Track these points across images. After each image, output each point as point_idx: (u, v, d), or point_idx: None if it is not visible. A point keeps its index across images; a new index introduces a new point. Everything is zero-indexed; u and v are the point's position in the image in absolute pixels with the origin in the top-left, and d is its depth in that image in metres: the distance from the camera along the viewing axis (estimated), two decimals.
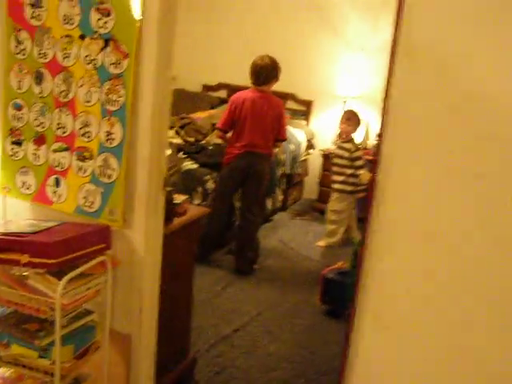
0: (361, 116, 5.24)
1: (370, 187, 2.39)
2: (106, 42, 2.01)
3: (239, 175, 4.36)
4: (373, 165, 2.43)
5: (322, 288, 3.90)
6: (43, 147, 2.21)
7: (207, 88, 7.05)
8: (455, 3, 1.45)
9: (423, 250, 1.56)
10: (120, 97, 2.02)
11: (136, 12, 1.93)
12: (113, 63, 2.01)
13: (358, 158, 5.08)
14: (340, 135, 5.26)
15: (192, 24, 6.57)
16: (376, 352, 1.53)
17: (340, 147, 5.14)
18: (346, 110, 5.44)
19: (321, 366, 3.26)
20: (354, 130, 5.13)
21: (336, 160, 5.18)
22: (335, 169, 5.18)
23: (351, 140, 5.14)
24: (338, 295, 3.81)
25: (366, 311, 1.60)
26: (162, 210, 2.20)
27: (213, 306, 3.82)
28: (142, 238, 2.13)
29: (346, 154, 5.06)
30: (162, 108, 2.05)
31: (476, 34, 1.42)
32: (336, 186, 5.16)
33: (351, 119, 5.10)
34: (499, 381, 1.37)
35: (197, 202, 4.35)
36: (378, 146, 2.39)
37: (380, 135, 2.39)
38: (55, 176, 2.20)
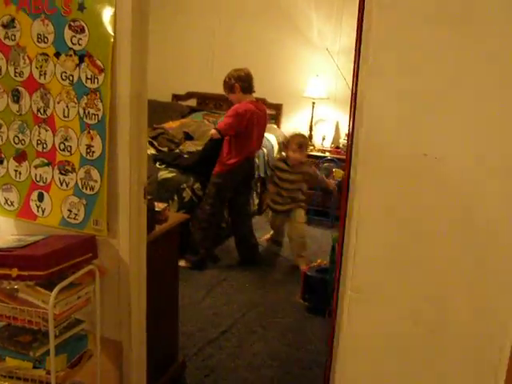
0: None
1: (344, 185, 2.50)
2: (81, 58, 2.07)
3: (239, 180, 4.69)
4: (345, 163, 2.53)
5: (303, 286, 3.99)
6: (24, 163, 2.25)
7: (177, 97, 7.11)
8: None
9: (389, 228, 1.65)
10: (98, 110, 2.08)
11: (109, 27, 2.00)
12: (89, 78, 2.07)
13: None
14: (289, 162, 4.75)
15: (159, 33, 6.64)
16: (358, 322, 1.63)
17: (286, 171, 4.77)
18: (294, 134, 4.94)
19: (306, 361, 3.35)
20: (305, 157, 4.83)
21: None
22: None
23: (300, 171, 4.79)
24: (319, 292, 3.90)
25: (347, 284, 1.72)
26: (145, 219, 2.27)
27: (198, 310, 3.88)
28: (127, 246, 2.20)
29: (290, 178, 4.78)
30: (140, 119, 2.12)
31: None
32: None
33: (303, 147, 4.72)
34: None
35: (173, 210, 4.41)
36: (348, 145, 2.50)
37: (349, 135, 2.49)
38: (38, 191, 2.25)
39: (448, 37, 1.41)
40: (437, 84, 1.45)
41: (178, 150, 5.27)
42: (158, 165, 4.82)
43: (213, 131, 4.50)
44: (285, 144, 4.85)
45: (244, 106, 4.48)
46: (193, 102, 7.06)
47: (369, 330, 1.49)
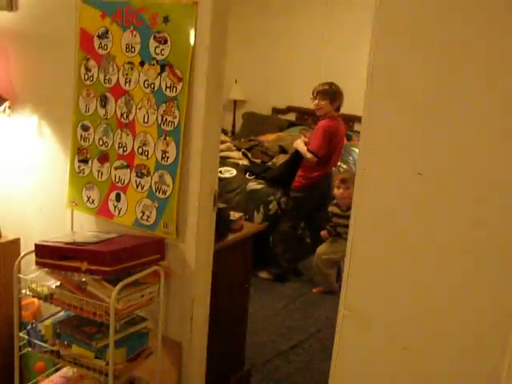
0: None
1: None
2: (163, 67, 2.18)
3: (318, 195, 4.71)
4: None
5: None
6: (106, 164, 2.40)
7: (277, 111, 7.21)
8: None
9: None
10: (174, 118, 2.17)
11: (189, 39, 2.09)
12: (168, 87, 2.17)
13: None
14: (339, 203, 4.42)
15: (262, 49, 6.79)
16: None
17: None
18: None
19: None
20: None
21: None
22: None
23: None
24: None
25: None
26: (213, 225, 2.32)
27: (273, 322, 3.90)
28: (194, 251, 2.26)
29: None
30: (213, 128, 2.19)
31: None
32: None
33: (348, 181, 4.30)
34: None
35: (257, 221, 4.48)
36: None
37: None
38: (116, 191, 2.38)
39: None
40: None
41: (270, 163, 5.34)
42: (247, 176, 4.91)
43: (309, 155, 4.45)
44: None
45: (329, 123, 4.47)
46: (292, 116, 7.12)
47: (359, 351, 1.44)
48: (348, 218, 3.80)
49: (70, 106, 2.48)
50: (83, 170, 2.47)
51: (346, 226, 3.82)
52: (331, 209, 4.46)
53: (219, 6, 2.06)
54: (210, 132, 2.18)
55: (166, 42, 2.15)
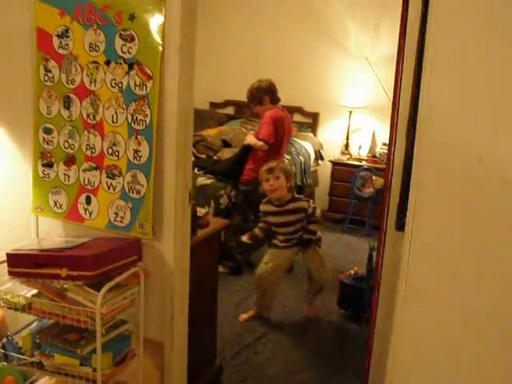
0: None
1: (385, 193, 2.51)
2: (131, 66, 2.14)
3: None
4: (385, 172, 2.55)
5: (340, 293, 4.00)
6: (73, 167, 2.33)
7: (214, 105, 7.20)
8: None
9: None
10: (146, 116, 2.15)
11: (158, 36, 2.07)
12: (137, 85, 2.14)
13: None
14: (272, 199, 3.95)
15: (198, 42, 6.73)
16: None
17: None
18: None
19: (343, 369, 3.35)
20: (285, 184, 3.89)
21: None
22: None
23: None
24: (356, 300, 3.90)
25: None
26: (189, 222, 2.32)
27: (234, 316, 3.92)
28: (171, 250, 2.25)
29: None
30: (186, 124, 2.18)
31: None
32: None
33: (276, 170, 3.87)
34: None
35: (207, 209, 4.50)
36: (388, 154, 2.52)
37: (390, 143, 2.51)
38: (86, 194, 2.33)
39: None
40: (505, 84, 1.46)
41: (216, 157, 5.34)
42: (196, 171, 4.89)
43: (260, 143, 4.53)
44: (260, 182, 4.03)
45: (275, 113, 4.56)
46: (230, 110, 7.14)
47: (422, 329, 1.50)
48: (287, 212, 3.83)
49: (30, 109, 2.39)
50: (48, 174, 2.40)
51: (286, 225, 3.84)
52: (264, 208, 3.95)
53: (188, 1, 2.05)
54: (184, 128, 2.17)
55: (133, 39, 2.12)
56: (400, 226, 2.16)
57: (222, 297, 4.07)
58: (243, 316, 3.92)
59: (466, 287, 1.52)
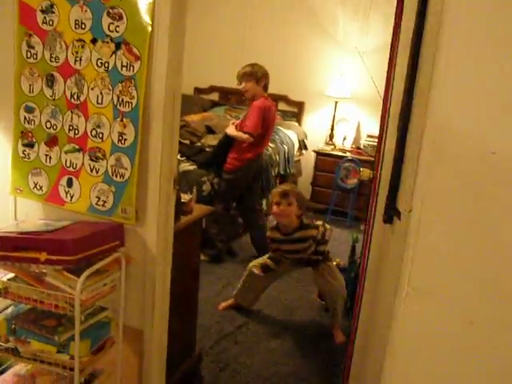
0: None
1: (373, 184, 2.48)
2: (118, 45, 2.07)
3: (251, 177, 4.71)
4: (375, 163, 2.52)
5: None
6: (55, 148, 2.26)
7: (199, 91, 7.11)
8: None
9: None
10: (132, 98, 2.08)
11: (147, 16, 2.00)
12: (124, 66, 2.07)
13: None
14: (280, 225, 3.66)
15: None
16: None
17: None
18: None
19: (322, 360, 3.33)
20: (296, 210, 3.58)
21: None
22: None
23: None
24: None
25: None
26: (173, 208, 2.26)
27: (214, 304, 3.87)
28: (154, 236, 2.19)
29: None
30: (174, 108, 2.11)
31: None
32: None
33: (289, 195, 3.55)
34: None
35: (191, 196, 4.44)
36: (379, 145, 2.49)
37: (381, 135, 2.48)
38: (68, 176, 2.26)
39: None
40: None
41: (199, 144, 5.27)
42: (179, 156, 4.81)
43: (245, 136, 4.45)
44: (270, 203, 3.74)
45: (264, 103, 4.49)
46: (215, 96, 7.06)
47: (425, 329, 1.45)
48: (291, 241, 3.58)
49: (11, 87, 2.31)
50: (28, 154, 2.32)
51: (294, 252, 3.63)
52: (271, 234, 3.69)
53: None
54: (171, 112, 2.11)
55: (121, 18, 2.04)
56: (388, 218, 2.14)
57: (203, 285, 4.01)
58: (223, 304, 3.88)
59: (473, 287, 1.46)
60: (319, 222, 3.72)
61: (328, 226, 3.75)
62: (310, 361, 3.31)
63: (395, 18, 2.32)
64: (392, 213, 2.08)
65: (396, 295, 1.58)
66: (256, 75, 4.48)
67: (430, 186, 1.50)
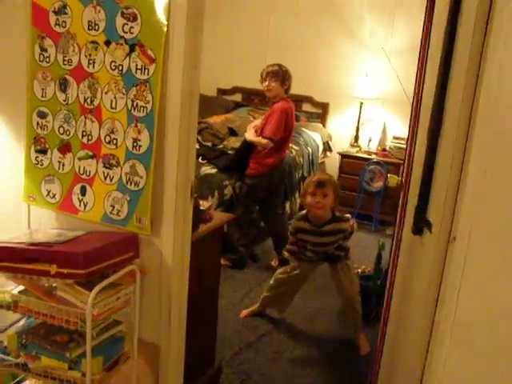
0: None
1: (404, 191, 2.35)
2: (132, 47, 1.97)
3: (274, 182, 4.59)
4: (405, 168, 2.38)
5: None
6: (68, 155, 2.17)
7: (222, 92, 7.02)
8: None
9: None
10: (147, 103, 1.98)
11: (163, 16, 1.90)
12: (139, 69, 1.98)
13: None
14: (310, 217, 3.44)
15: (206, 29, 6.54)
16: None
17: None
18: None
19: (346, 372, 3.21)
20: (331, 202, 3.38)
21: None
22: None
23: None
24: (363, 300, 3.75)
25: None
26: (190, 218, 2.16)
27: (236, 312, 3.77)
28: (170, 247, 2.10)
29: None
30: (191, 114, 2.01)
31: None
32: None
33: (326, 184, 3.34)
34: None
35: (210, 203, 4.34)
36: (408, 150, 2.35)
37: (409, 139, 2.34)
38: (81, 184, 2.17)
39: None
40: None
41: (221, 146, 5.17)
42: (200, 159, 4.72)
43: (264, 141, 4.33)
44: (303, 192, 3.50)
45: (285, 105, 4.37)
46: (238, 97, 6.96)
47: (461, 369, 1.22)
48: (321, 234, 3.37)
49: (23, 91, 2.23)
50: (41, 161, 2.24)
51: (321, 245, 3.41)
52: (297, 225, 3.46)
53: None
54: (187, 117, 2.00)
55: (135, 18, 1.95)
56: (417, 230, 2.01)
57: (224, 292, 3.92)
58: (245, 312, 3.77)
59: None
60: (348, 215, 3.61)
61: (353, 220, 3.66)
62: (333, 372, 3.19)
63: (425, 18, 2.19)
64: (422, 224, 1.96)
65: (434, 336, 1.38)
66: (282, 75, 4.35)
67: (483, 210, 1.19)
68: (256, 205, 4.68)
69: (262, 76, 4.42)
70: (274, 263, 4.54)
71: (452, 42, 1.79)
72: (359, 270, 3.92)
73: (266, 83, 4.38)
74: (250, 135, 4.50)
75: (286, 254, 3.62)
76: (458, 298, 1.06)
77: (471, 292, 1.15)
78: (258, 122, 4.75)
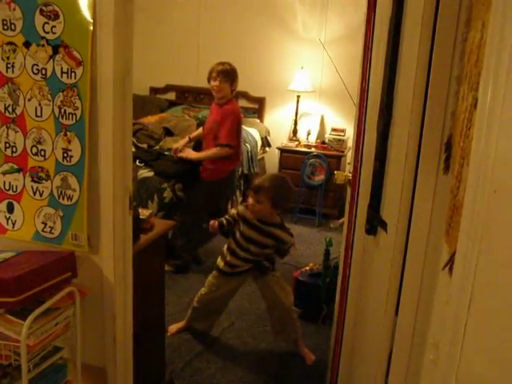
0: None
1: (353, 186, 2.27)
2: (56, 48, 1.79)
3: (230, 188, 4.57)
4: (354, 162, 2.31)
5: (295, 291, 3.76)
6: None
7: (155, 90, 6.81)
8: None
9: None
10: (76, 109, 1.81)
11: (87, 13, 1.73)
12: (65, 72, 1.80)
13: None
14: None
15: (137, 26, 6.32)
16: None
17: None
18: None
19: (301, 370, 3.14)
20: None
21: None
22: None
23: None
24: (312, 298, 3.69)
25: None
26: (130, 230, 2.01)
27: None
28: (111, 263, 1.94)
29: None
30: (124, 118, 1.86)
31: None
32: None
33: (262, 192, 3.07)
34: None
35: (153, 211, 4.16)
36: (355, 145, 2.28)
37: (358, 129, 2.27)
38: (7, 200, 1.98)
39: None
40: None
41: (157, 147, 4.99)
42: (137, 163, 4.53)
43: (223, 151, 4.13)
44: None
45: (235, 108, 4.23)
46: (171, 96, 6.76)
47: None
48: (260, 231, 3.06)
49: None
50: None
51: (251, 242, 3.07)
52: (241, 211, 3.20)
53: None
54: (121, 123, 1.85)
55: (57, 17, 1.77)
56: (371, 229, 1.93)
57: (169, 299, 3.77)
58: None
59: None
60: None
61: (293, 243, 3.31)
62: (288, 373, 3.11)
63: (368, 3, 2.12)
64: (376, 223, 1.88)
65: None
66: (233, 76, 4.20)
67: (493, 216, 0.85)
68: (208, 211, 4.45)
69: (211, 74, 4.21)
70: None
71: (398, 29, 1.71)
72: (307, 268, 3.84)
73: (216, 83, 4.18)
74: (194, 154, 4.32)
75: (215, 224, 3.24)
76: (465, 337, 0.85)
77: (483, 330, 0.86)
78: (183, 141, 4.55)
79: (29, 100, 1.87)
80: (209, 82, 4.24)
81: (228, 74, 4.16)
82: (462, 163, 0.97)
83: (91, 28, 1.74)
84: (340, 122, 6.03)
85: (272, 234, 3.13)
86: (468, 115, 0.94)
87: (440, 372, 0.96)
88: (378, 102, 1.84)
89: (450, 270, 1.04)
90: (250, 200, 3.10)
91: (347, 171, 2.59)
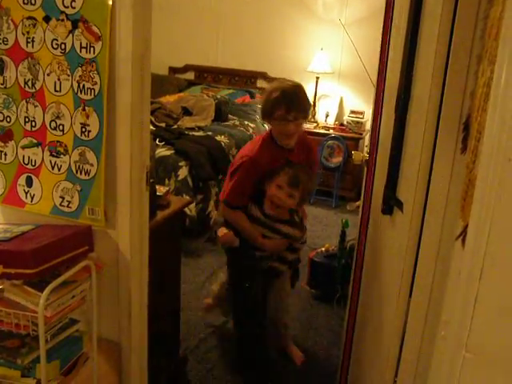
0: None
1: (369, 167, 2.26)
2: (75, 23, 1.80)
3: None
4: (371, 143, 2.30)
5: (310, 272, 3.78)
6: (11, 143, 1.99)
7: (174, 70, 6.80)
8: None
9: None
10: (94, 84, 1.82)
11: None
12: (84, 47, 1.80)
13: None
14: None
15: (156, 5, 6.31)
16: None
17: None
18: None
19: (313, 352, 3.16)
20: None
21: None
22: None
23: None
24: (327, 279, 3.69)
25: None
26: (147, 206, 2.02)
27: (198, 297, 3.66)
28: (127, 238, 1.95)
29: None
30: (143, 94, 1.86)
31: None
32: None
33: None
34: None
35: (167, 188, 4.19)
36: (374, 126, 2.26)
37: (376, 109, 2.25)
38: (26, 174, 2.00)
39: None
40: None
41: (176, 126, 5.00)
42: (157, 141, 4.54)
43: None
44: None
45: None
46: (190, 76, 6.75)
47: None
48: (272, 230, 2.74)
49: None
50: None
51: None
52: (251, 210, 2.78)
53: None
54: (139, 99, 1.85)
55: None
56: (387, 209, 1.92)
57: (185, 277, 3.80)
58: (207, 301, 3.51)
59: None
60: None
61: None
62: (303, 351, 3.13)
63: None
64: (392, 203, 1.87)
65: (442, 359, 1.17)
66: (307, 112, 2.81)
67: (506, 185, 0.86)
68: None
69: (292, 110, 2.60)
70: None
71: (418, 11, 1.69)
72: (323, 249, 3.85)
73: (293, 126, 2.64)
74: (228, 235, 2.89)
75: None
76: (475, 312, 0.87)
77: (494, 303, 0.90)
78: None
79: (48, 75, 1.88)
80: (274, 118, 2.66)
81: (306, 111, 2.78)
82: (479, 138, 0.97)
83: (110, 3, 1.74)
84: (359, 104, 5.98)
85: (280, 231, 2.80)
86: (486, 89, 0.93)
87: (451, 342, 0.97)
88: (396, 82, 1.82)
89: (463, 241, 1.05)
90: (281, 193, 2.66)
91: (365, 153, 2.58)
